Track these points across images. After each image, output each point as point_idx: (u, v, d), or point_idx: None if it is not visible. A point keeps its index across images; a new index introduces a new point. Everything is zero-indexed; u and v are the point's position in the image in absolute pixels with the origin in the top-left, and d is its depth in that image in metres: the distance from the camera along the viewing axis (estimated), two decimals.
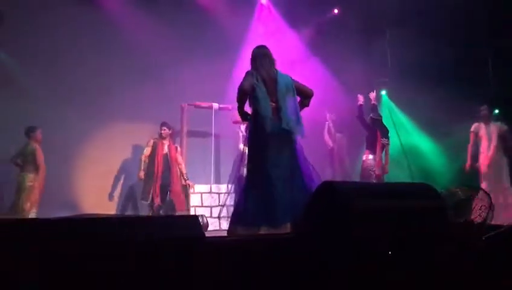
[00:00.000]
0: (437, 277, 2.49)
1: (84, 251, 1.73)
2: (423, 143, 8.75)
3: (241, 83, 4.09)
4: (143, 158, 7.04)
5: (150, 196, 6.88)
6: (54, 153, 6.50)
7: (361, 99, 6.91)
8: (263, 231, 3.79)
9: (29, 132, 6.45)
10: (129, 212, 7.52)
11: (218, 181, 7.83)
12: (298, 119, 4.17)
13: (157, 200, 6.88)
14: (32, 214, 6.15)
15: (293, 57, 8.23)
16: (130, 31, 7.29)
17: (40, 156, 6.38)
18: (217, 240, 2.47)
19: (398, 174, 7.13)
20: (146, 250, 1.87)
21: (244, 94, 4.09)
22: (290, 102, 4.18)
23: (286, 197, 3.91)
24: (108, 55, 7.22)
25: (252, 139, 4.12)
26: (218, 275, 2.17)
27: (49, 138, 6.53)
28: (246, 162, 4.18)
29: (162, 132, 7.14)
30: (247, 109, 4.22)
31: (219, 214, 6.80)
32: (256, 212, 3.86)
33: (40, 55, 6.81)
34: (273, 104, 4.10)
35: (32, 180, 6.33)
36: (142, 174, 6.95)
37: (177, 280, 2.00)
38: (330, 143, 7.90)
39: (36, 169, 6.35)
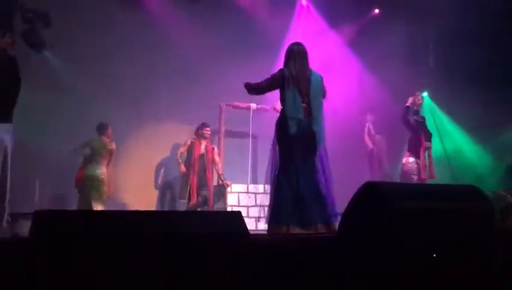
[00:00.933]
0: (481, 285, 2.43)
1: (138, 243, 1.79)
2: (466, 145, 8.52)
3: (265, 81, 4.10)
4: (178, 154, 7.17)
5: (187, 194, 6.97)
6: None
7: (410, 100, 6.80)
8: (292, 230, 3.83)
9: (102, 128, 6.63)
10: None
11: (255, 181, 7.86)
12: (323, 126, 4.15)
13: (194, 199, 6.97)
14: (100, 207, 6.33)
15: (333, 58, 8.18)
16: (172, 33, 7.42)
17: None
18: (260, 238, 2.49)
19: (440, 178, 6.97)
20: (193, 243, 1.91)
21: (259, 89, 4.12)
22: (321, 105, 4.17)
23: (313, 198, 3.95)
24: (150, 56, 7.36)
25: (280, 140, 4.12)
26: (260, 273, 2.19)
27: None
28: (275, 161, 4.19)
29: (204, 132, 7.20)
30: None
31: (259, 215, 6.84)
32: (286, 211, 3.91)
33: (86, 57, 7.00)
34: (305, 105, 4.09)
35: (105, 174, 6.53)
36: (183, 167, 7.06)
37: (219, 274, 2.03)
38: (370, 145, 7.81)
39: (107, 163, 6.58)
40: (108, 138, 6.68)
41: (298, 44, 4.30)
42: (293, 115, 4.01)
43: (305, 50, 4.23)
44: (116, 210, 3.89)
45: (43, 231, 1.97)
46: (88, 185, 6.38)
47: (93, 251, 1.94)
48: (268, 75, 4.24)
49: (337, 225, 4.07)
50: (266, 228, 4.13)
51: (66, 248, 1.93)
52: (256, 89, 4.19)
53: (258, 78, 6.50)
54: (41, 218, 2.01)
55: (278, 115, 4.22)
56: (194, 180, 7.02)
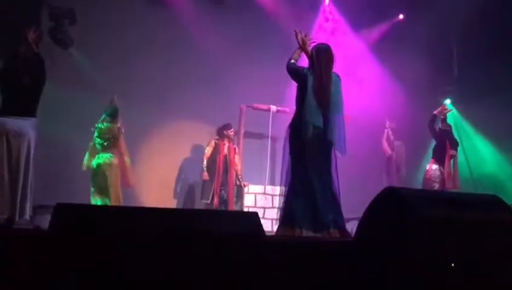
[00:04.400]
0: None
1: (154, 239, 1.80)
2: (489, 155, 8.38)
3: (296, 69, 4.13)
4: (205, 158, 7.11)
5: (211, 195, 6.96)
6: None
7: (438, 109, 6.85)
8: (305, 233, 3.83)
9: (114, 112, 6.18)
10: None
11: (273, 183, 7.85)
12: (344, 136, 4.12)
13: (216, 200, 6.97)
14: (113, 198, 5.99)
15: (355, 61, 8.13)
16: (195, 32, 7.47)
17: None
18: (276, 239, 2.48)
19: (461, 187, 6.88)
20: (209, 242, 1.92)
21: (289, 68, 4.16)
22: (340, 114, 4.13)
23: (327, 203, 3.96)
24: (173, 55, 7.43)
25: (293, 143, 4.10)
26: (275, 274, 2.18)
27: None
28: (287, 164, 4.18)
29: (229, 132, 7.18)
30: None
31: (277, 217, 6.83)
32: (299, 215, 3.91)
33: (109, 54, 7.09)
34: (323, 111, 4.05)
35: (117, 163, 6.13)
36: (205, 175, 7.03)
37: (234, 273, 2.03)
38: (388, 150, 7.74)
39: (119, 152, 6.17)
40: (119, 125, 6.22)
41: (326, 46, 4.25)
42: (311, 120, 3.99)
43: (332, 54, 4.18)
44: (135, 207, 3.92)
45: (63, 225, 2.00)
46: (100, 175, 5.99)
47: (112, 247, 1.95)
48: (289, 78, 4.25)
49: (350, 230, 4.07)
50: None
51: (85, 243, 1.95)
52: (290, 65, 4.20)
53: (279, 80, 6.55)
54: (61, 212, 2.03)
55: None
56: (218, 181, 7.01)
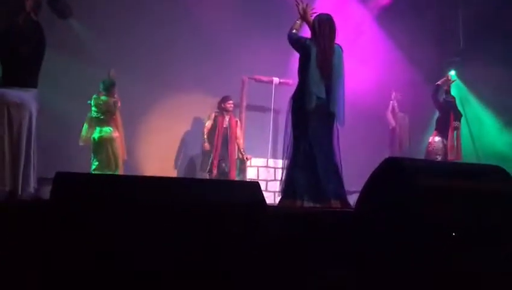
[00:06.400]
0: (500, 268, 2.38)
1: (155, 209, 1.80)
2: (492, 127, 8.32)
3: (298, 39, 4.11)
4: (205, 131, 7.14)
5: (209, 167, 7.02)
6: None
7: (442, 79, 6.83)
8: (307, 204, 3.85)
9: (110, 86, 6.17)
10: None
11: (275, 156, 7.85)
12: (343, 107, 4.09)
13: (215, 172, 7.01)
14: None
15: (359, 32, 8.00)
16: (196, 4, 7.35)
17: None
18: (277, 209, 2.48)
19: (464, 159, 6.87)
20: (210, 211, 1.91)
21: (291, 39, 4.13)
22: (341, 85, 4.11)
23: (329, 174, 3.97)
24: (173, 28, 7.32)
25: (295, 113, 4.08)
26: (277, 243, 2.19)
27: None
28: (289, 136, 4.18)
29: (228, 105, 7.17)
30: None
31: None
32: (301, 187, 3.93)
33: (110, 26, 7.01)
34: (326, 82, 4.02)
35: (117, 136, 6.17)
36: (206, 145, 7.08)
37: (235, 243, 2.03)
38: (392, 122, 7.70)
39: (116, 125, 6.21)
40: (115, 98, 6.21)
41: (328, 16, 4.18)
42: (314, 90, 3.96)
43: (335, 24, 4.13)
44: (135, 175, 3.92)
45: (63, 193, 1.99)
46: (103, 148, 6.02)
47: (112, 216, 1.96)
48: (292, 48, 4.20)
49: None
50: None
51: (86, 211, 1.96)
52: (292, 36, 4.18)
53: (281, 52, 6.48)
54: (61, 180, 2.03)
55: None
56: (216, 154, 7.04)
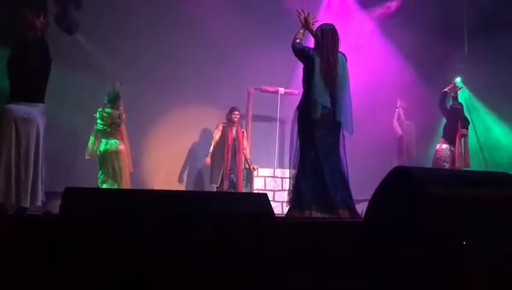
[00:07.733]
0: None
1: (162, 223, 1.80)
2: (500, 134, 8.27)
3: (302, 49, 4.11)
4: (213, 142, 7.13)
5: (219, 179, 6.98)
6: (126, 130, 6.67)
7: (449, 86, 6.81)
8: (314, 215, 3.83)
9: (115, 98, 6.19)
10: None
11: (282, 166, 7.84)
12: (351, 115, 4.10)
13: (226, 184, 7.00)
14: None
15: (364, 40, 8.01)
16: (201, 15, 7.39)
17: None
18: (286, 220, 2.47)
19: (473, 166, 6.82)
20: (219, 223, 1.91)
21: (295, 49, 4.15)
22: (347, 94, 4.12)
23: (336, 184, 3.97)
24: (179, 39, 7.35)
25: (302, 123, 4.10)
26: (285, 254, 2.18)
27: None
28: (295, 146, 4.19)
29: (234, 116, 7.17)
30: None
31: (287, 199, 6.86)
32: (308, 197, 3.93)
33: (116, 37, 7.06)
34: (331, 91, 4.03)
35: (123, 148, 6.17)
36: (208, 160, 7.07)
37: (243, 253, 2.03)
38: (399, 131, 7.68)
39: (122, 138, 6.20)
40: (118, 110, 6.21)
41: (330, 26, 4.21)
42: (319, 100, 3.97)
43: (337, 34, 4.16)
44: (143, 189, 3.94)
45: (72, 209, 2.00)
46: (109, 161, 6.02)
47: (121, 231, 1.96)
48: (297, 60, 4.21)
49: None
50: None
51: (95, 226, 1.96)
52: (295, 46, 4.20)
53: (287, 62, 6.50)
54: (71, 195, 2.04)
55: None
56: (227, 166, 7.02)
